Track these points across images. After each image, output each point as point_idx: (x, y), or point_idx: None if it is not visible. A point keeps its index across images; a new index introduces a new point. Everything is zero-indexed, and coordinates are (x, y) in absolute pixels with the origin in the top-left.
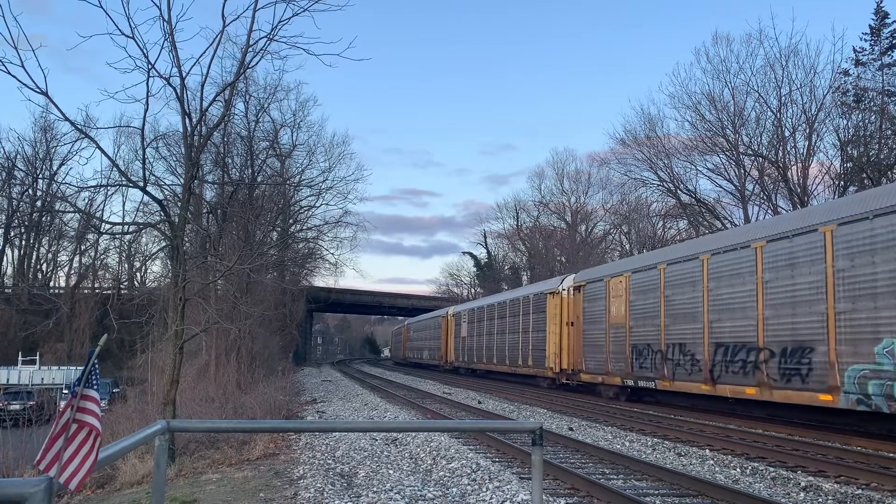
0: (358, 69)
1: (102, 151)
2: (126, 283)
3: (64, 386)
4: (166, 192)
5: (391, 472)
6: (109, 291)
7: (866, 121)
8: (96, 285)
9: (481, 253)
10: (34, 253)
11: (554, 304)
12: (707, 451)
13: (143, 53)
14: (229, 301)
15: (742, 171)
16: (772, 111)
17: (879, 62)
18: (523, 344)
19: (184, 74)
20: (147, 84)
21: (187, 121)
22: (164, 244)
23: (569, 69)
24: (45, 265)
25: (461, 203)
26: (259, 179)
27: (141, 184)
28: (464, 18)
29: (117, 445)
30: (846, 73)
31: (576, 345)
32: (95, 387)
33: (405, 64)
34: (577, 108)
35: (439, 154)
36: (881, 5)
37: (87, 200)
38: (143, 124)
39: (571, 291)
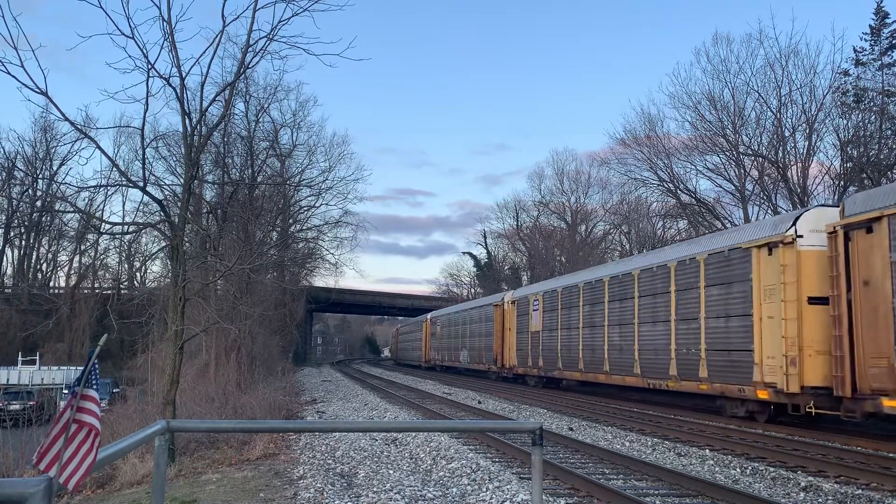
0: (351, 69)
1: (102, 151)
2: (126, 283)
3: (64, 386)
4: (166, 192)
5: (391, 472)
6: (109, 291)
7: (866, 121)
8: (96, 285)
9: (481, 253)
10: (34, 253)
11: (776, 266)
12: (707, 451)
13: (143, 53)
14: (229, 301)
15: (742, 171)
16: (772, 111)
17: (879, 62)
18: (681, 340)
19: (184, 74)
20: (147, 84)
21: (187, 121)
22: (164, 244)
23: (568, 69)
24: (45, 265)
25: (456, 203)
26: (259, 179)
27: (141, 184)
28: (461, 18)
29: (117, 445)
30: (846, 73)
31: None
32: (95, 387)
33: (399, 63)
34: (577, 108)
35: (433, 154)
36: (881, 5)
37: (87, 200)
38: (143, 124)
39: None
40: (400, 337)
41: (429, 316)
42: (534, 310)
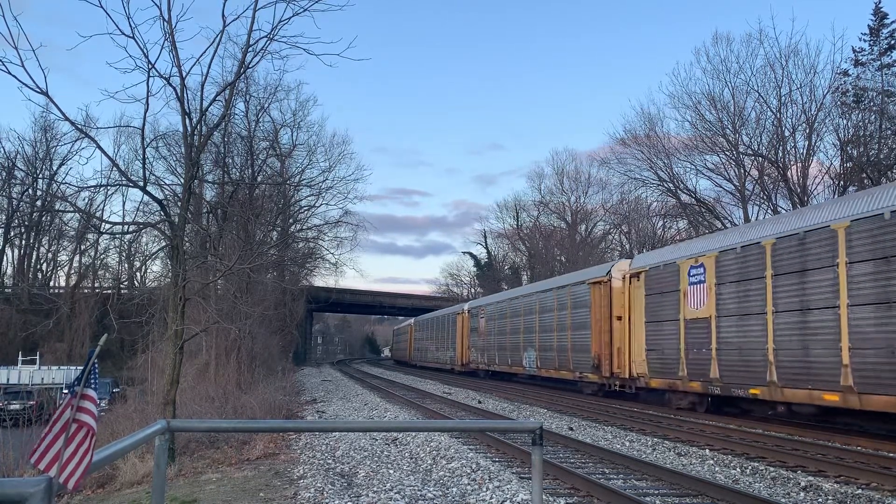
0: (345, 69)
1: (102, 151)
2: (126, 283)
3: (64, 386)
4: (166, 192)
5: (391, 471)
6: (109, 291)
7: (866, 121)
8: (96, 285)
9: (481, 253)
10: (34, 253)
11: None
12: (707, 451)
13: (144, 53)
14: (229, 301)
15: (742, 171)
16: (772, 111)
17: (879, 62)
18: None
19: (184, 74)
20: (147, 84)
21: (187, 121)
22: (164, 244)
23: (568, 69)
24: (45, 265)
25: (452, 203)
26: (259, 179)
27: (141, 184)
28: (460, 19)
29: (117, 445)
30: (846, 73)
31: None
32: (94, 386)
33: (394, 63)
34: (577, 108)
35: (428, 153)
36: (880, 6)
37: (87, 200)
38: (143, 124)
39: None
40: (415, 334)
41: (466, 306)
42: (693, 282)
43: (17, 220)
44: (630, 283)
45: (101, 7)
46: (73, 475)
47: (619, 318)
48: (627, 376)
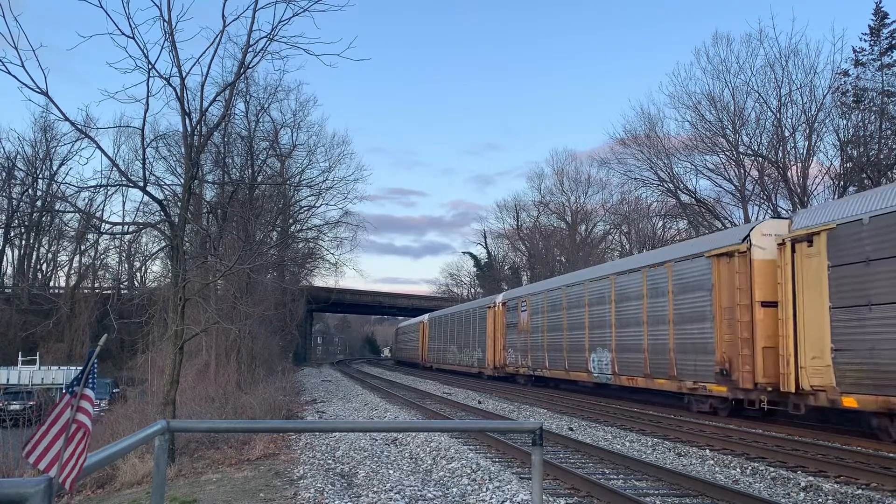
0: (342, 69)
1: (102, 151)
2: (126, 283)
3: (64, 386)
4: (166, 192)
5: (391, 472)
6: (109, 291)
7: (866, 121)
8: (96, 285)
9: (481, 253)
10: (34, 253)
11: None
12: (707, 451)
13: (144, 53)
14: (229, 301)
15: (742, 171)
16: (772, 111)
17: (879, 62)
18: None
19: (184, 74)
20: (147, 84)
21: (187, 121)
22: (164, 244)
23: (568, 69)
24: (45, 265)
25: (449, 203)
26: (259, 179)
27: (141, 184)
28: (459, 19)
29: (117, 445)
30: (846, 73)
31: None
32: (92, 386)
33: (390, 63)
34: (577, 107)
35: (425, 153)
36: (880, 5)
37: (87, 200)
38: (144, 124)
39: None
40: (430, 332)
41: (501, 298)
42: None
43: (17, 221)
44: (794, 251)
45: (101, 7)
46: (71, 475)
47: (769, 304)
48: (792, 389)
